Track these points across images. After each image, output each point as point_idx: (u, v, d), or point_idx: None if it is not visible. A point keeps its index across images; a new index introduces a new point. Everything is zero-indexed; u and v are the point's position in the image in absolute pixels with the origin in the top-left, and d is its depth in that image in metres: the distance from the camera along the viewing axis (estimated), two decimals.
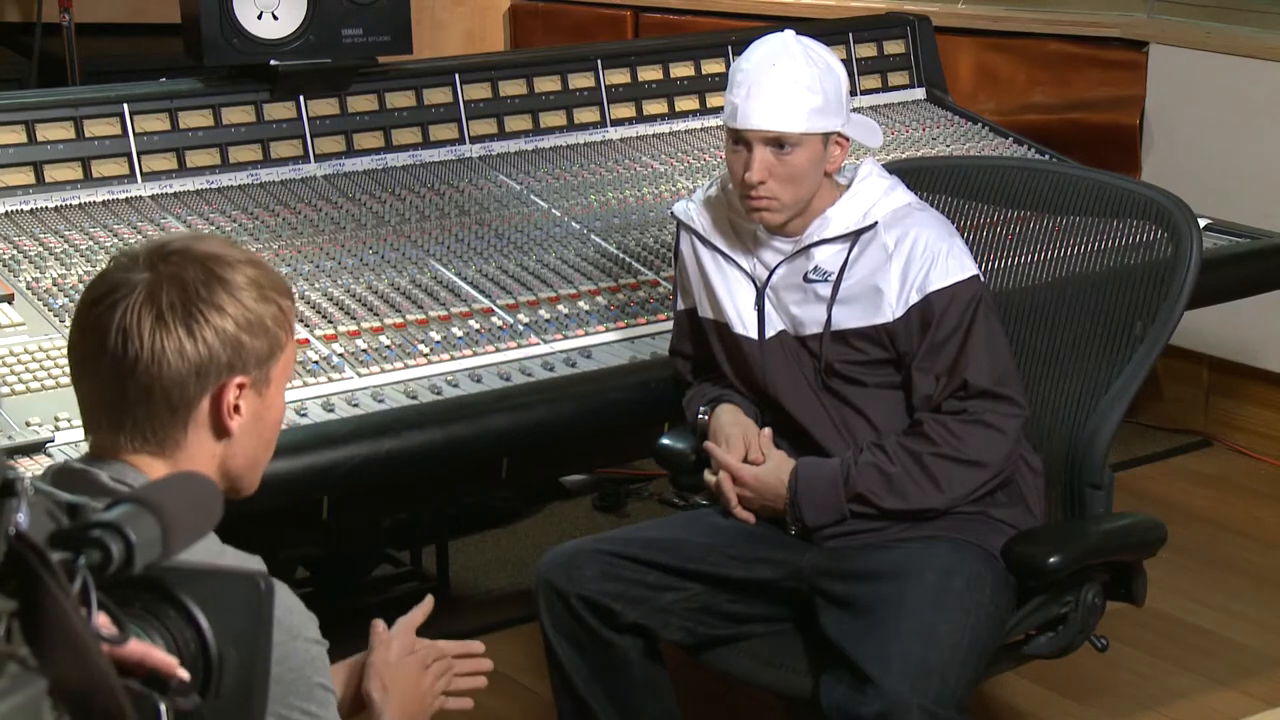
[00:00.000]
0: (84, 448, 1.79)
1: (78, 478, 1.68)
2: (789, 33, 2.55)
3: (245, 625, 1.30)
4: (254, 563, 1.64)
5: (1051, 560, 2.42)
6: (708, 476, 2.60)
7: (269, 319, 1.72)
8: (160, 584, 1.24)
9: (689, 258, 2.66)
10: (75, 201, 3.08)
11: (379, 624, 2.04)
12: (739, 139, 2.49)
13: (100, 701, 1.08)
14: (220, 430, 1.72)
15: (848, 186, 2.56)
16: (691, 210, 2.65)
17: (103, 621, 1.16)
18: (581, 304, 3.00)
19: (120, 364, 1.68)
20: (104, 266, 1.77)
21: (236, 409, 1.71)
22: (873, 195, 2.54)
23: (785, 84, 2.46)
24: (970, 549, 2.45)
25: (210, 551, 1.59)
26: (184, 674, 1.22)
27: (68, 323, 2.01)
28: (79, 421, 1.79)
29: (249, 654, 1.30)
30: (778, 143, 2.47)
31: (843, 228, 2.52)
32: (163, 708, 1.17)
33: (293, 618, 1.67)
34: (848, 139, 2.54)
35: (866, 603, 2.39)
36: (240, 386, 1.71)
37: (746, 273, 2.58)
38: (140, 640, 1.20)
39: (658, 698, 2.56)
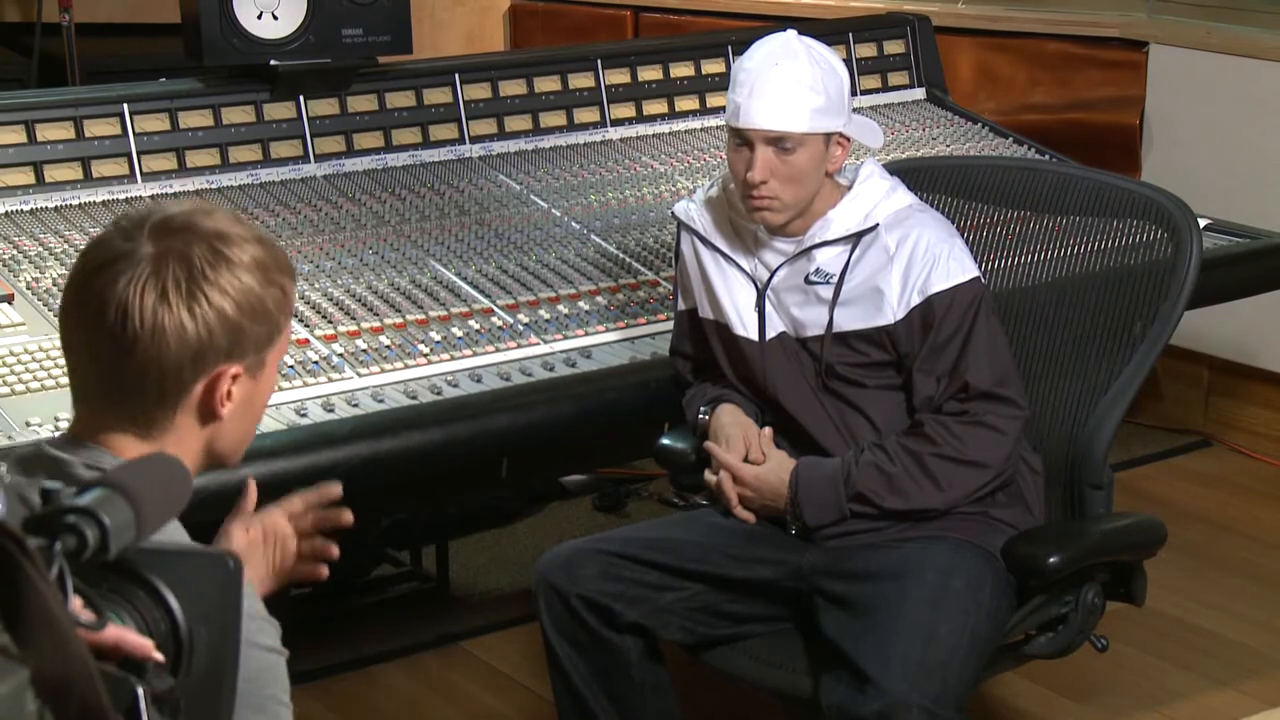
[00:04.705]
0: None
1: (49, 465, 1.64)
2: (791, 32, 2.55)
3: (215, 604, 1.29)
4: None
5: (1051, 560, 2.42)
6: (708, 476, 2.60)
7: (270, 303, 1.67)
8: (128, 565, 1.24)
9: (689, 258, 2.66)
10: (75, 202, 3.08)
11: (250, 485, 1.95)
12: (741, 138, 2.49)
13: (79, 688, 1.08)
14: (209, 416, 1.67)
15: (849, 187, 2.56)
16: (692, 210, 2.65)
17: (78, 606, 1.16)
18: (581, 304, 2.99)
19: (118, 342, 1.62)
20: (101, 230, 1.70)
21: (229, 395, 1.67)
22: (874, 196, 2.54)
23: (788, 83, 2.46)
24: (970, 549, 2.45)
25: (168, 533, 1.53)
26: (159, 656, 1.21)
27: None
28: None
29: (219, 632, 1.30)
30: (780, 142, 2.46)
31: (844, 229, 2.52)
32: (139, 692, 1.17)
33: (248, 623, 1.56)
34: (849, 139, 2.54)
35: (866, 602, 2.39)
36: (235, 376, 1.66)
37: (747, 274, 2.58)
38: (115, 624, 1.20)
39: (658, 697, 2.56)
